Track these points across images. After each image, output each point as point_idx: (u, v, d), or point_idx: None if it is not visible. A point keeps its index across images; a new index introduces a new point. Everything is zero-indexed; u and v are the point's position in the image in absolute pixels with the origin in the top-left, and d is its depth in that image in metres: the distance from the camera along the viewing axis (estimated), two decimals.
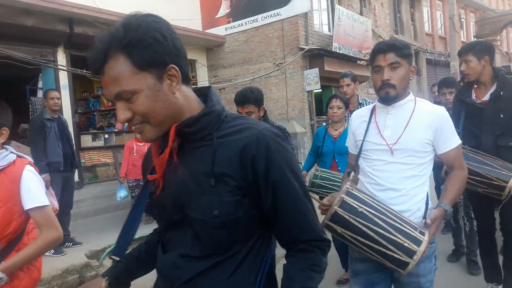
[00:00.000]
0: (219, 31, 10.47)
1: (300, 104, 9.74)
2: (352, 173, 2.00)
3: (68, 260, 4.59)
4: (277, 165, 1.01)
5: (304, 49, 9.49)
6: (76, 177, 6.99)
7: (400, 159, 1.84)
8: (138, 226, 1.17)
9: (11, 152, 1.89)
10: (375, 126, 1.93)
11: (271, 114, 9.99)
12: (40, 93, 7.26)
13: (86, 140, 8.34)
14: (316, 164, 3.83)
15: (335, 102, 3.63)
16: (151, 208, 1.16)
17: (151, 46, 0.95)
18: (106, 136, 8.92)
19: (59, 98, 5.15)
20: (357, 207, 1.70)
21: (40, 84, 7.40)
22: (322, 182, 3.48)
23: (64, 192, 5.12)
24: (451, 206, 1.84)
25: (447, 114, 1.88)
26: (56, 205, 4.81)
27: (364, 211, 1.69)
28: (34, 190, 1.83)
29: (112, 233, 4.93)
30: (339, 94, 3.81)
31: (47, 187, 4.68)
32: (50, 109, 5.04)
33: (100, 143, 8.61)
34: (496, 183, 2.67)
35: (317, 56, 9.72)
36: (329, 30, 10.97)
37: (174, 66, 0.99)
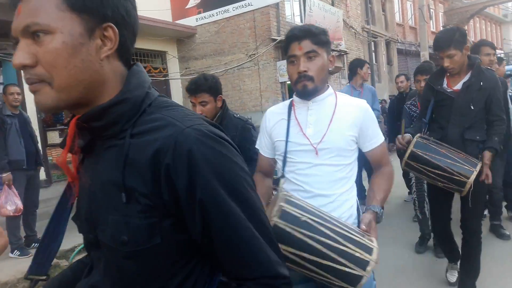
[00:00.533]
0: (190, 22, 10.28)
1: (273, 95, 9.70)
2: (282, 180, 1.72)
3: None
4: (204, 179, 0.74)
5: (276, 40, 9.43)
6: (43, 175, 6.74)
7: (326, 160, 1.63)
8: (61, 237, 0.96)
9: None
10: (296, 123, 1.69)
11: (245, 105, 9.92)
12: (1, 88, 6.94)
13: (53, 136, 8.07)
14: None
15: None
16: (76, 217, 0.92)
17: None
18: None
19: (20, 93, 4.90)
20: (299, 215, 1.43)
21: (0, 79, 7.08)
22: None
23: (28, 191, 4.91)
24: (381, 206, 1.64)
25: (370, 108, 1.72)
26: (19, 205, 4.63)
27: (308, 220, 1.42)
28: None
29: None
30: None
31: (9, 187, 4.56)
32: (10, 105, 4.80)
33: None
34: (457, 178, 2.52)
35: None
36: (301, 21, 10.93)
37: (114, 26, 0.77)
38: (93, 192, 0.81)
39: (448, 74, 2.80)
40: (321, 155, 1.63)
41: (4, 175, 4.58)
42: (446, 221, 3.02)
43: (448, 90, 2.76)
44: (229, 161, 0.78)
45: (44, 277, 0.97)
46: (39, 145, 5.44)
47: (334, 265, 1.37)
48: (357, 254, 1.38)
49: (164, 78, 9.62)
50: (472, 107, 2.67)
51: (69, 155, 0.84)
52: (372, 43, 15.67)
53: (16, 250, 4.68)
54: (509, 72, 7.46)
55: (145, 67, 7.96)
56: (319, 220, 1.43)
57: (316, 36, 1.60)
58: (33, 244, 4.89)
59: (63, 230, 0.97)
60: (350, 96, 1.78)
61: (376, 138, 1.71)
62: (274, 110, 1.83)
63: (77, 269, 1.06)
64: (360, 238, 1.45)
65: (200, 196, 0.74)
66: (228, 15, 9.81)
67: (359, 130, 1.66)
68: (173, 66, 10.45)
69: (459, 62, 2.64)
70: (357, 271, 1.38)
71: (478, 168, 2.52)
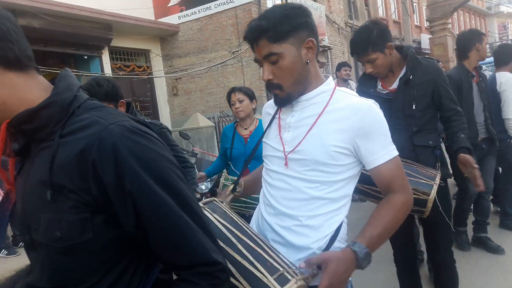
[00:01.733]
0: (172, 19, 10.35)
1: (257, 92, 9.78)
2: (238, 188, 1.53)
3: (22, 261, 4.49)
4: (131, 171, 0.77)
5: None
6: None
7: (298, 173, 1.29)
8: (1, 241, 0.99)
9: None
10: (277, 124, 1.40)
11: None
12: None
13: None
14: (225, 171, 3.08)
15: (235, 96, 3.01)
16: (14, 222, 0.95)
17: None
18: None
19: None
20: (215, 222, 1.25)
21: None
22: None
23: None
24: (372, 246, 1.17)
25: (376, 111, 1.28)
26: None
27: (222, 228, 1.24)
28: None
29: None
30: (236, 86, 3.20)
31: None
32: None
33: None
34: (415, 196, 1.88)
35: None
36: None
37: None
38: (25, 193, 0.85)
39: None
40: (292, 166, 1.31)
41: None
42: (411, 251, 2.47)
43: (384, 92, 2.28)
44: (155, 154, 0.82)
45: None
46: None
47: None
48: (264, 280, 1.11)
49: (148, 77, 9.67)
50: (415, 107, 2.19)
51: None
52: None
53: (3, 249, 4.76)
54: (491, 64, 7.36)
55: (128, 66, 7.94)
56: (238, 233, 1.22)
57: (271, 31, 1.22)
58: (20, 243, 4.97)
59: (2, 235, 1.02)
60: (355, 95, 1.35)
61: (380, 152, 1.27)
62: (268, 104, 1.55)
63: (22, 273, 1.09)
64: (264, 277, 1.11)
65: (130, 188, 0.77)
66: (210, 13, 9.88)
67: (353, 140, 1.26)
68: (157, 64, 10.50)
69: (384, 65, 2.19)
70: None
71: (437, 180, 1.96)
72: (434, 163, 2.18)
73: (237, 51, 9.69)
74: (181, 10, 10.29)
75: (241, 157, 3.03)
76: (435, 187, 1.91)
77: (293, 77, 1.27)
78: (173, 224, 0.80)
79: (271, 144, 1.40)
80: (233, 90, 3.08)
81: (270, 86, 1.31)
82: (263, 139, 1.46)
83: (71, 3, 7.62)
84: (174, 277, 0.93)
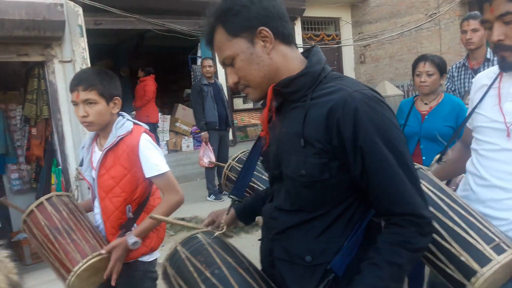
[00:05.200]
0: None
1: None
2: (444, 157, 1.48)
3: (227, 204, 5.30)
4: (365, 130, 0.96)
5: None
6: (230, 136, 7.81)
7: None
8: (252, 173, 1.37)
9: (128, 120, 1.93)
10: (495, 94, 1.33)
11: None
12: (199, 61, 8.16)
13: (238, 102, 9.12)
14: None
15: (423, 67, 2.56)
16: (264, 161, 1.27)
17: (239, 12, 1.04)
18: None
19: (211, 66, 5.77)
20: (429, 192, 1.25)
21: (199, 53, 8.29)
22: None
23: (220, 148, 5.86)
24: None
25: None
26: (213, 159, 5.59)
27: (434, 197, 1.26)
28: (152, 159, 1.85)
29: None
30: (429, 54, 2.70)
31: (206, 143, 5.54)
32: (204, 76, 5.75)
33: (250, 105, 9.30)
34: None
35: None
36: None
37: (265, 28, 1.04)
38: (280, 140, 1.12)
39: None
40: None
41: (202, 133, 5.61)
42: None
43: None
44: (386, 120, 0.99)
45: (238, 199, 1.41)
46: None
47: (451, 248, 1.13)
48: (462, 259, 1.10)
49: (336, 45, 9.71)
50: None
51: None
52: None
53: (212, 195, 5.73)
54: None
55: (318, 35, 8.17)
56: (448, 201, 1.22)
57: None
58: (224, 191, 5.85)
59: (253, 168, 1.37)
60: None
61: None
62: (483, 74, 1.48)
63: (255, 200, 1.44)
64: (479, 243, 1.11)
65: (361, 144, 0.97)
66: None
67: None
68: (346, 32, 10.40)
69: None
70: (458, 277, 1.10)
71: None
72: None
73: (435, 13, 8.80)
74: None
75: (414, 136, 2.63)
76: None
77: None
78: (390, 177, 0.97)
79: (485, 114, 1.36)
80: (423, 58, 2.62)
81: (500, 48, 1.24)
82: (476, 110, 1.41)
83: None
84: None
